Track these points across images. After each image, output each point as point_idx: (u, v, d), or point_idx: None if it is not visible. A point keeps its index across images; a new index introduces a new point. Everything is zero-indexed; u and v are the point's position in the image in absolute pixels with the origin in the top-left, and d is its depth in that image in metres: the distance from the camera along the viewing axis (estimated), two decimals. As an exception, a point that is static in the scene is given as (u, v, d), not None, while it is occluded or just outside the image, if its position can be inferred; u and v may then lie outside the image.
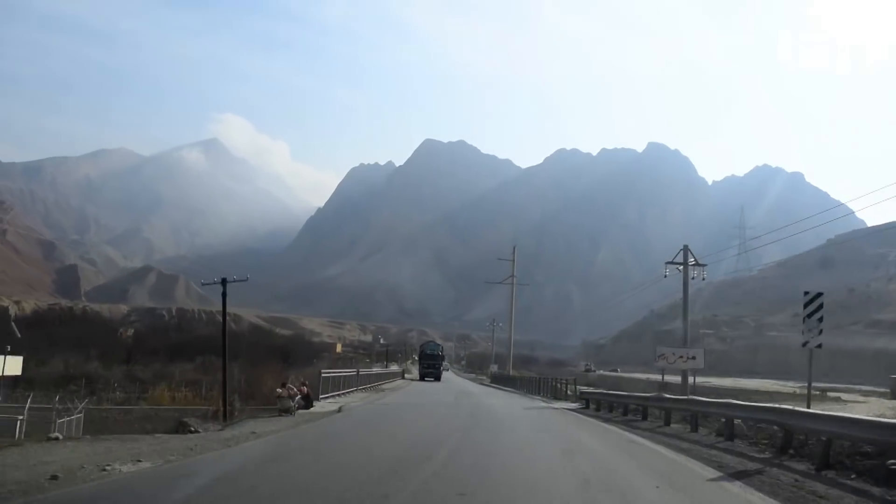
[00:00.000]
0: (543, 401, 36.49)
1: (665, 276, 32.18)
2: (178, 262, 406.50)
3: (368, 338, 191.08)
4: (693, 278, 32.61)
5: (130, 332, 65.65)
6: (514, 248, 47.36)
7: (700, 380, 44.31)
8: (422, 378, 66.42)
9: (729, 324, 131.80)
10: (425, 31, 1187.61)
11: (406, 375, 71.13)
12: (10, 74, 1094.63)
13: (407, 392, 41.08)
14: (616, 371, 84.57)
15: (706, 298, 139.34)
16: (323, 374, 29.54)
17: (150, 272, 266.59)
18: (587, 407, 29.82)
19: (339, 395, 30.25)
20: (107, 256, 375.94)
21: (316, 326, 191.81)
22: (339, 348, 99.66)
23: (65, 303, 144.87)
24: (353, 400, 29.67)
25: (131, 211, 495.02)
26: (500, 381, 64.49)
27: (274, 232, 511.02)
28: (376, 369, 57.68)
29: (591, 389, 38.43)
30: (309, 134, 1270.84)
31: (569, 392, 38.53)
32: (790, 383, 55.41)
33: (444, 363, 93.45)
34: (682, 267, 32.24)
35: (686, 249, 32.36)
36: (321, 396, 27.11)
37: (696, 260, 32.59)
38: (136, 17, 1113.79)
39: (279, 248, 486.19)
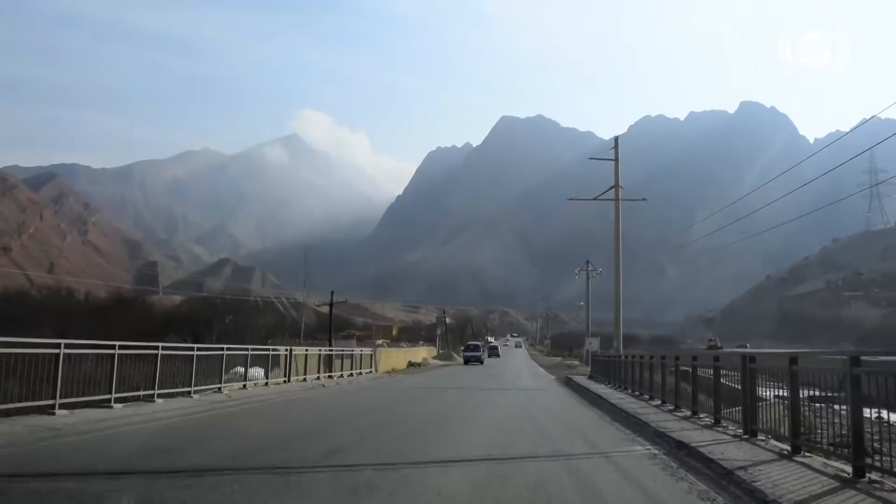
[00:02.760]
0: None
1: None
2: (261, 255, 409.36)
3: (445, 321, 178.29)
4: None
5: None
6: (615, 140, 32.26)
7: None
8: None
9: (881, 283, 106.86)
10: (496, 11, 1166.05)
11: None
12: (101, 87, 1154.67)
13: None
14: (746, 347, 64.49)
15: (839, 257, 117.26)
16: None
17: (226, 265, 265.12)
18: None
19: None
20: (193, 254, 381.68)
21: (389, 311, 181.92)
22: (395, 331, 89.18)
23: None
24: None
25: (217, 209, 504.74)
26: (609, 371, 27.58)
27: (356, 222, 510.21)
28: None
29: None
30: (387, 124, 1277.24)
31: None
32: None
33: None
34: None
35: None
36: None
37: None
38: (215, 24, 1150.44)
39: (362, 237, 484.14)
